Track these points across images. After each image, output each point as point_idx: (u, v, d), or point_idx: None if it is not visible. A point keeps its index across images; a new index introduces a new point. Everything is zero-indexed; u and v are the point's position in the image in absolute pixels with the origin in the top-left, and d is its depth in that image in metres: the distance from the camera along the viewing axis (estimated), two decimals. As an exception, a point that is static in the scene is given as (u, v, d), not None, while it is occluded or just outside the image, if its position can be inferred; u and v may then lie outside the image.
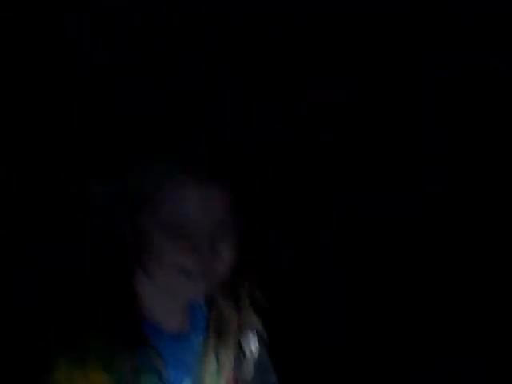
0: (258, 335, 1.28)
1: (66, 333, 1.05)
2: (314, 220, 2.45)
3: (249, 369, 1.26)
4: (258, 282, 1.28)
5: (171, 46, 1.91)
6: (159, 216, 1.06)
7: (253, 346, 1.27)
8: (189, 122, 1.17)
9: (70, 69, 1.16)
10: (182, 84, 1.82)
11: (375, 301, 2.21)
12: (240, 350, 1.25)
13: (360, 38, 2.35)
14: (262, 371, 1.29)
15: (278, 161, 2.40)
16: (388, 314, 2.18)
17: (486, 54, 2.33)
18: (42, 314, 1.08)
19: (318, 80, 2.37)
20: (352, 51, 2.35)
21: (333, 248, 2.36)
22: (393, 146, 2.52)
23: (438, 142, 2.50)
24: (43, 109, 1.27)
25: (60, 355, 1.04)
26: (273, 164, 2.41)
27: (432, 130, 2.49)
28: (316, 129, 2.41)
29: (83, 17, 1.15)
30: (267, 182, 2.47)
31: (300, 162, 2.52)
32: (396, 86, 2.47)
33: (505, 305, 2.16)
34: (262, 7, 2.25)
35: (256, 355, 1.27)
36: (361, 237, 2.38)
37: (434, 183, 2.44)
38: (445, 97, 2.46)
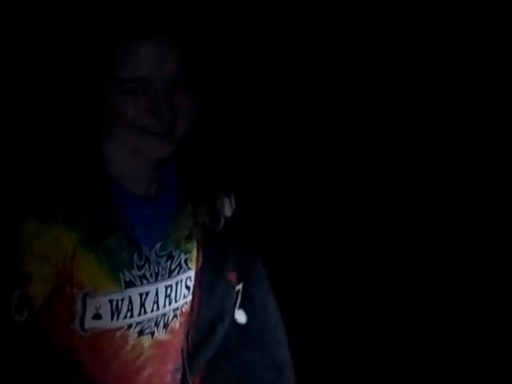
0: (231, 200, 1.28)
1: (35, 193, 1.08)
2: (313, 220, 2.45)
3: (223, 229, 1.26)
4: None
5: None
6: (115, 74, 1.07)
7: (227, 209, 1.27)
8: None
9: (70, 69, 1.17)
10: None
11: (375, 301, 2.22)
12: (214, 212, 1.25)
13: (360, 38, 2.35)
14: (237, 238, 1.29)
15: (278, 161, 2.41)
16: (388, 313, 2.19)
17: (485, 53, 2.33)
18: (13, 175, 1.10)
19: (318, 80, 2.37)
20: (352, 51, 2.35)
21: (333, 248, 2.36)
22: (393, 145, 2.52)
23: (438, 142, 2.50)
24: (43, 108, 1.28)
25: (28, 214, 1.07)
26: (273, 164, 2.41)
27: (432, 130, 2.49)
28: (316, 129, 2.41)
29: (83, 17, 1.15)
30: (267, 181, 2.47)
31: (300, 162, 2.52)
32: (396, 86, 2.46)
33: (505, 305, 2.16)
34: (262, 7, 2.25)
35: (229, 215, 1.27)
36: (361, 237, 2.38)
37: (433, 183, 2.44)
38: (445, 97, 2.46)
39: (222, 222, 1.25)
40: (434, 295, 2.20)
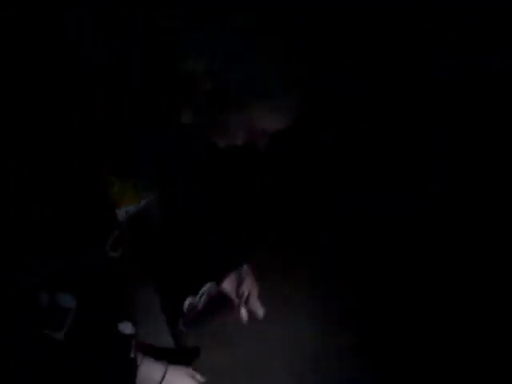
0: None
1: (120, 162, 1.32)
2: (313, 220, 2.45)
3: None
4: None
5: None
6: (246, 116, 1.26)
7: None
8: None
9: (70, 69, 1.17)
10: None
11: (375, 301, 2.22)
12: None
13: (360, 38, 2.35)
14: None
15: (278, 161, 2.41)
16: (388, 313, 2.19)
17: (486, 53, 2.34)
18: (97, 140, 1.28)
19: (318, 80, 2.37)
20: (352, 51, 2.35)
21: (333, 248, 2.36)
22: (393, 145, 2.52)
23: (438, 142, 2.50)
24: (43, 109, 1.28)
25: (115, 176, 1.34)
26: (273, 164, 2.42)
27: (432, 130, 2.50)
28: (316, 129, 2.41)
29: (83, 17, 1.15)
30: (267, 181, 2.47)
31: (300, 162, 2.52)
32: (396, 86, 2.47)
33: (505, 305, 2.17)
34: (262, 7, 2.24)
35: None
36: (361, 237, 2.38)
37: (433, 183, 2.44)
38: (445, 97, 2.46)
39: None
40: (434, 295, 2.20)
